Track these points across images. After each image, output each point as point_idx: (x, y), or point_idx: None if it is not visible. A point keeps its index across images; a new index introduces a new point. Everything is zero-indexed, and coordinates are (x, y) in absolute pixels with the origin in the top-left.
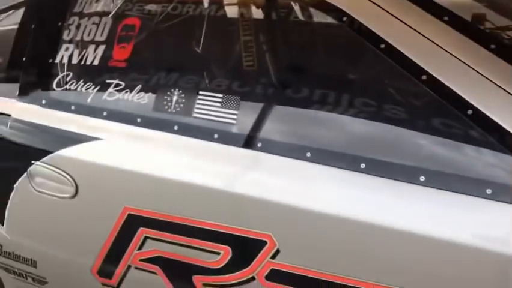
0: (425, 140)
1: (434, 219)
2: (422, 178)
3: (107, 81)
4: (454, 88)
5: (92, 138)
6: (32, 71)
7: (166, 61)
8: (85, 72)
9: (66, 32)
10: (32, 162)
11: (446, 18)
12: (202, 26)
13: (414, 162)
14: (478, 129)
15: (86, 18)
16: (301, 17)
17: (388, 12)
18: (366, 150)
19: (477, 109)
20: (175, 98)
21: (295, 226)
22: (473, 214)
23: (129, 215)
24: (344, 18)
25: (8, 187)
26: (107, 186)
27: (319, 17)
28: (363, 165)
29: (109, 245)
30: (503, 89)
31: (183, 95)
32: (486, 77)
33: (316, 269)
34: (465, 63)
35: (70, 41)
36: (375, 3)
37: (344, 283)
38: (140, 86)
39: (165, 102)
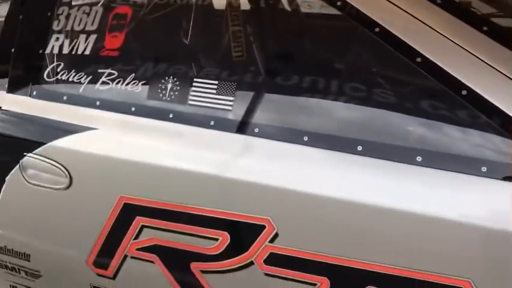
0: (421, 122)
1: (431, 198)
2: (419, 158)
3: (100, 70)
4: (448, 69)
5: (86, 128)
6: (21, 62)
7: (160, 49)
8: (76, 62)
9: (56, 22)
10: (24, 154)
11: (439, 1)
12: (196, 12)
13: (411, 143)
14: (473, 109)
15: (76, 8)
16: (287, 7)
17: None
18: (362, 132)
19: (471, 89)
20: (169, 86)
21: (294, 210)
22: (469, 192)
23: (125, 204)
24: (339, 3)
25: (0, 180)
26: (102, 176)
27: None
28: (360, 148)
29: (104, 236)
30: (497, 69)
31: (178, 83)
32: (480, 58)
33: (315, 251)
34: (459, 45)
35: (60, 31)
36: None
37: (342, 264)
38: (133, 74)
39: (159, 91)
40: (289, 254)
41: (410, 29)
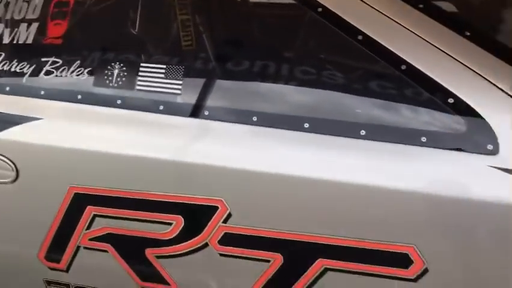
0: (364, 98)
1: (374, 169)
2: (363, 132)
3: (43, 59)
4: (387, 46)
5: (30, 118)
6: None
7: (105, 36)
8: (18, 52)
9: None
10: None
11: None
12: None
13: (355, 118)
14: (412, 83)
15: None
16: None
17: None
18: (309, 110)
19: (411, 65)
20: (116, 72)
21: (246, 189)
22: (410, 161)
23: (75, 194)
24: None
25: None
26: (50, 167)
27: None
28: (307, 125)
29: (55, 228)
30: (431, 44)
31: (125, 69)
32: (415, 33)
33: (268, 228)
34: (398, 22)
35: None
36: None
37: (294, 239)
38: (78, 62)
39: (106, 77)
40: (243, 233)
41: (351, 8)
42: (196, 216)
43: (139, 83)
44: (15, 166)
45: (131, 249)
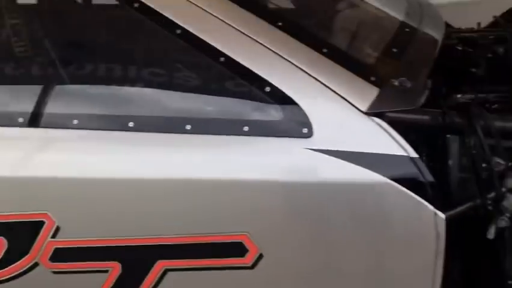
0: (186, 92)
1: (201, 163)
2: (188, 127)
3: None
4: (205, 39)
5: None
6: None
7: None
8: None
9: None
10: None
11: None
12: None
13: (180, 113)
14: (231, 74)
15: None
16: None
17: None
18: (134, 109)
19: (229, 57)
20: None
21: (71, 198)
22: (234, 152)
23: None
24: None
25: None
26: None
27: None
28: (131, 124)
29: None
30: (246, 35)
31: None
32: (231, 25)
33: (101, 237)
34: (214, 15)
35: None
36: None
37: (130, 244)
38: None
39: None
40: (75, 246)
41: (168, 3)
42: (21, 235)
43: None
44: None
45: None
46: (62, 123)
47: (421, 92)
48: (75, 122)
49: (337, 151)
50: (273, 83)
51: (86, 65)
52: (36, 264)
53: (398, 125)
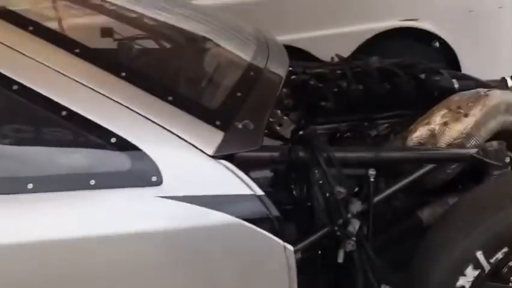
0: (29, 148)
1: (49, 222)
2: (30, 186)
3: None
4: (44, 93)
5: None
6: None
7: None
8: None
9: None
10: None
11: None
12: None
13: (20, 172)
14: (74, 127)
15: None
16: None
17: None
18: None
19: (71, 110)
20: None
21: None
22: (78, 207)
23: None
24: None
25: None
26: None
27: None
28: None
29: None
30: (93, 89)
31: None
32: (76, 80)
33: None
34: (53, 68)
35: None
36: None
37: None
38: None
39: None
40: None
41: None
42: None
43: None
44: None
45: None
46: None
47: (262, 132)
48: None
49: (187, 196)
50: (119, 133)
51: None
52: None
53: (250, 164)
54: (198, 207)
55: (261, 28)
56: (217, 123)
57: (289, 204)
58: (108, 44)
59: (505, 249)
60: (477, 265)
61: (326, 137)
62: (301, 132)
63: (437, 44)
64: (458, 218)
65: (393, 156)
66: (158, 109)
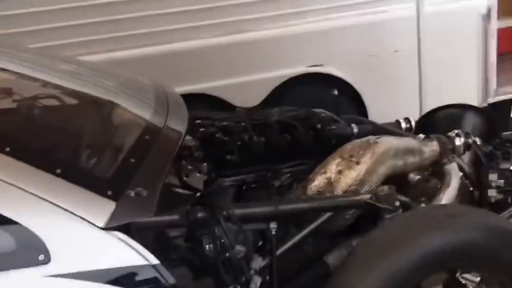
0: None
1: None
2: None
3: None
4: None
5: None
6: None
7: None
8: None
9: None
10: None
11: None
12: None
13: None
14: None
15: None
16: None
17: None
18: None
19: None
20: None
21: None
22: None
23: None
24: None
25: None
26: None
27: None
28: None
29: None
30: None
31: None
32: None
33: None
34: None
35: None
36: None
37: None
38: None
39: None
40: None
41: None
42: None
43: None
44: None
45: None
46: None
47: (156, 198)
48: None
49: (79, 272)
50: (1, 212)
51: None
52: None
53: (148, 232)
54: (90, 283)
55: (160, 81)
56: (109, 193)
57: (200, 263)
58: None
59: None
60: None
61: (233, 189)
62: (199, 194)
63: (336, 92)
64: (356, 262)
65: (291, 208)
66: (45, 183)
